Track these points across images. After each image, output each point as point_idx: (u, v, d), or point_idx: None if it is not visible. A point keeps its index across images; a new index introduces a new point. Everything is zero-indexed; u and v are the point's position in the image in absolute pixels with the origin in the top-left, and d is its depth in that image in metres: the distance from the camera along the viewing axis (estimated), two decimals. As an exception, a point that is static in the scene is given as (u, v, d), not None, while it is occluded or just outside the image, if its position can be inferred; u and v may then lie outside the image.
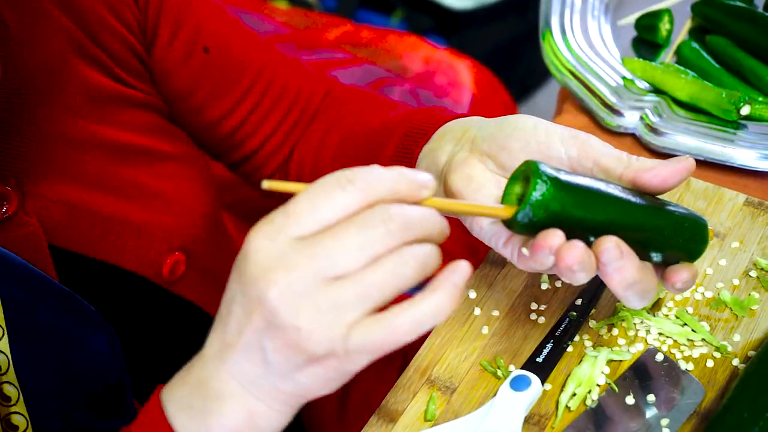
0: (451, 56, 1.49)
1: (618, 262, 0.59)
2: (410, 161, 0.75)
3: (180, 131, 0.86)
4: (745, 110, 0.85)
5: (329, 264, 0.50)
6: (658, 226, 0.62)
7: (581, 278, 0.60)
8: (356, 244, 0.50)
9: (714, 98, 0.86)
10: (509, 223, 0.60)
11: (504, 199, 0.61)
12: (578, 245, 0.58)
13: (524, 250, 0.62)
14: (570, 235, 0.59)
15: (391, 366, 1.06)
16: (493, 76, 1.53)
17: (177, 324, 0.87)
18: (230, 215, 1.11)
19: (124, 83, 0.79)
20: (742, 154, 0.83)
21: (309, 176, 0.88)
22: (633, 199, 0.61)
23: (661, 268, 0.63)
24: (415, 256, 0.51)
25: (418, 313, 0.51)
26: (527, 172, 0.60)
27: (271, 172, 0.91)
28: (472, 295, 0.78)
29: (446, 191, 0.68)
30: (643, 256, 0.61)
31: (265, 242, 0.51)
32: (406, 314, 0.51)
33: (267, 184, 0.52)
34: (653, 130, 0.86)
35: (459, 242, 1.19)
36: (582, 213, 0.59)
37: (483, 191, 0.66)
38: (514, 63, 2.00)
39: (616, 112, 0.89)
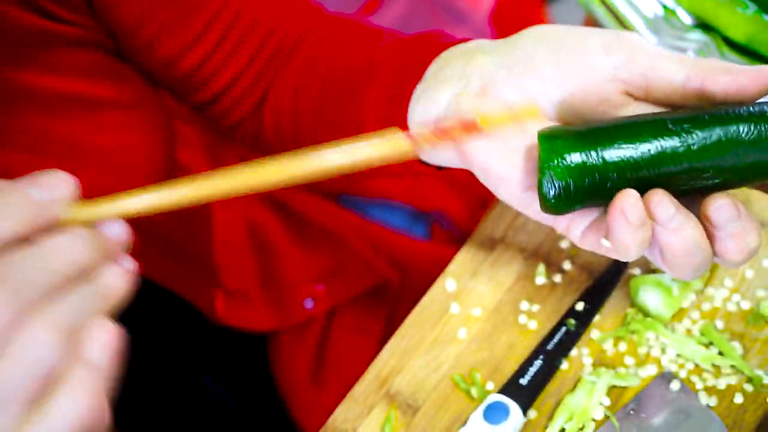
0: (475, -49, 1.29)
1: (735, 224, 0.45)
2: (401, 108, 0.59)
3: (130, 71, 0.71)
4: (815, 60, 0.67)
5: None
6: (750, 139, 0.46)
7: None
8: None
9: (776, 42, 0.68)
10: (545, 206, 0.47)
11: (539, 177, 0.48)
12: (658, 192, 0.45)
13: (604, 242, 0.48)
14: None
15: (376, 321, 0.93)
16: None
17: None
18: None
19: (54, 18, 0.63)
20: (805, 117, 0.66)
21: (289, 127, 0.73)
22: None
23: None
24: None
25: None
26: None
27: (242, 117, 0.76)
28: (451, 286, 0.63)
29: (456, 148, 0.52)
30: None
31: None
32: None
33: None
34: (695, 79, 0.69)
35: (467, 190, 1.03)
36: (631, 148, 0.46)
37: (511, 141, 0.50)
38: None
39: (650, 52, 0.71)
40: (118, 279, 0.40)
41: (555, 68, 0.50)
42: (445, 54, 0.58)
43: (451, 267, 0.64)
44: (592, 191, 0.46)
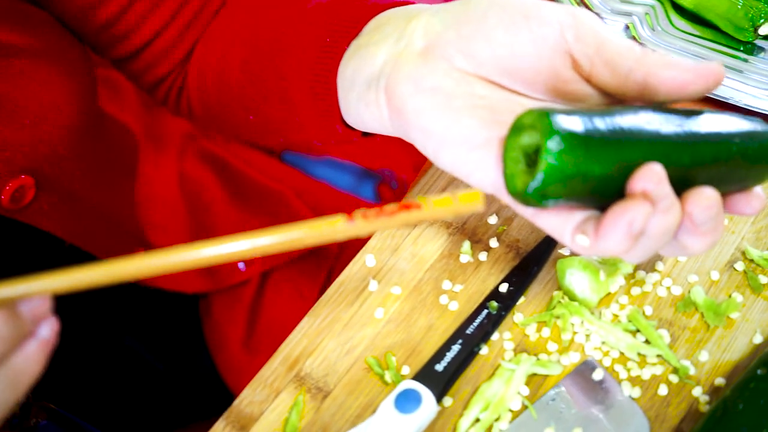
0: None
1: (712, 222, 0.44)
2: (331, 66, 0.55)
3: (46, 18, 0.66)
4: (765, 29, 0.63)
5: None
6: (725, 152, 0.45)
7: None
8: None
9: (726, 9, 0.64)
10: (523, 198, 0.44)
11: (506, 156, 0.44)
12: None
13: (580, 239, 0.44)
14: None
15: (313, 285, 0.90)
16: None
17: (28, 258, 0.70)
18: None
19: None
20: (751, 91, 0.62)
21: (213, 88, 0.68)
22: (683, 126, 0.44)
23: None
24: None
25: None
26: (533, 124, 0.43)
27: (165, 74, 0.71)
28: (371, 261, 0.60)
29: (392, 109, 0.49)
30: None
31: None
32: None
33: None
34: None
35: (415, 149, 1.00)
36: (633, 155, 0.43)
37: (454, 104, 0.47)
38: None
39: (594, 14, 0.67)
40: (31, 359, 0.39)
41: (507, 34, 0.47)
42: (386, 13, 0.54)
43: (372, 242, 0.60)
44: (584, 187, 0.43)
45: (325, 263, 0.89)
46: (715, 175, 0.44)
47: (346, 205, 0.95)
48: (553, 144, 0.41)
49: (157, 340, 0.90)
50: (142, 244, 0.81)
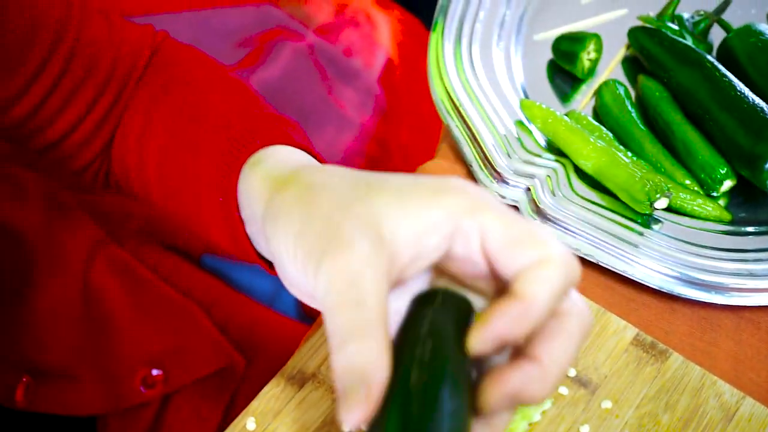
0: (373, 5, 1.24)
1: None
2: (231, 183, 0.55)
3: None
4: (662, 203, 0.64)
5: None
6: None
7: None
8: None
9: (625, 179, 0.64)
10: None
11: None
12: None
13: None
14: None
15: (215, 406, 0.87)
16: (424, 31, 1.29)
17: None
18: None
19: None
20: (645, 265, 0.62)
21: (135, 181, 0.66)
22: None
23: None
24: None
25: None
26: None
27: (87, 163, 0.69)
28: (251, 425, 0.58)
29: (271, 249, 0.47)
30: None
31: None
32: None
33: None
34: (539, 211, 0.65)
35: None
36: None
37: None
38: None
39: (497, 175, 0.67)
40: None
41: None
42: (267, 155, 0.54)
43: (254, 403, 0.59)
44: None
45: (230, 385, 0.87)
46: None
47: (259, 320, 0.93)
48: None
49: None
50: (25, 368, 0.78)
